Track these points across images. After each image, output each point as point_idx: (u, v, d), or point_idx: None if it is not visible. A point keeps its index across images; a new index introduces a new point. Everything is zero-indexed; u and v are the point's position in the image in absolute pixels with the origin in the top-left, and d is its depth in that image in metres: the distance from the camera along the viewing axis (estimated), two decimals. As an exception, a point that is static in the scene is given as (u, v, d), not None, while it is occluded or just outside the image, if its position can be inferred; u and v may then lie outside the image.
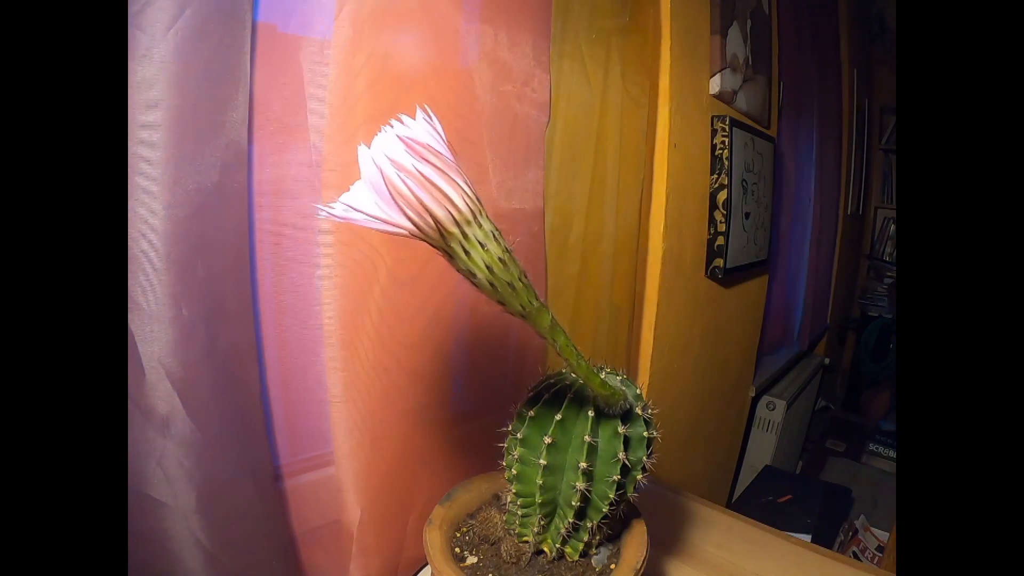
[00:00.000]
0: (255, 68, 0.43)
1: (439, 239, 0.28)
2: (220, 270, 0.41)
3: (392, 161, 0.26)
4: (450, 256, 0.30)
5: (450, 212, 0.28)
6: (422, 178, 0.26)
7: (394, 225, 0.27)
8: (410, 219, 0.27)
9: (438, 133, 0.27)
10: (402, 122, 0.26)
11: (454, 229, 0.28)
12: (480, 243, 0.29)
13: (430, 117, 0.27)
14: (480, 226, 0.29)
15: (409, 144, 0.26)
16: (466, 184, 0.28)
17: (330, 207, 0.27)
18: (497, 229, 0.30)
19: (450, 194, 0.27)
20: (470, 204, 0.28)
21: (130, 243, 0.35)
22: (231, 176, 0.41)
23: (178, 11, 0.35)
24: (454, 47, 0.55)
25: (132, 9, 0.34)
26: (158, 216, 0.36)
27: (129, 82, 0.34)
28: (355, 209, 0.27)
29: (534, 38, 0.65)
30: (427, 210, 0.27)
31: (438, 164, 0.27)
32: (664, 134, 0.93)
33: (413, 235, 0.28)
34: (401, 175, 0.26)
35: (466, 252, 0.29)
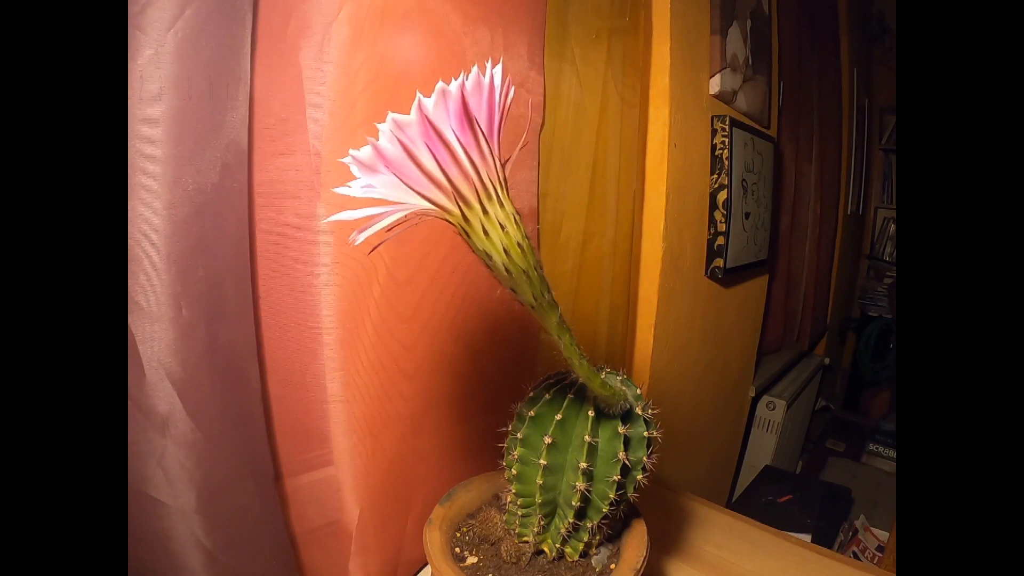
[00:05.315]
0: (255, 68, 0.43)
1: (458, 214, 0.28)
2: (220, 270, 0.41)
3: (430, 123, 0.25)
4: (467, 234, 0.29)
5: (474, 186, 0.27)
6: (456, 146, 0.25)
7: (411, 205, 0.26)
8: (431, 188, 0.26)
9: (497, 93, 0.26)
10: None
11: (475, 204, 0.27)
12: (500, 224, 0.28)
13: (499, 68, 0.26)
14: (502, 206, 0.28)
15: (466, 103, 0.25)
16: (495, 158, 0.28)
17: (349, 206, 0.26)
18: (518, 213, 0.29)
19: (479, 165, 0.26)
20: (495, 182, 0.28)
21: (130, 243, 0.35)
22: (231, 176, 0.41)
23: (178, 11, 0.35)
24: (452, 48, 0.55)
25: (132, 9, 0.34)
26: (159, 216, 0.36)
27: (129, 82, 0.34)
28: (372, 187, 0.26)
29: (529, 39, 0.65)
30: (451, 181, 0.26)
31: (484, 129, 0.26)
32: (664, 134, 0.93)
33: (428, 213, 0.27)
34: (432, 145, 0.25)
35: (485, 231, 0.28)
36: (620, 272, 0.94)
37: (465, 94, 0.25)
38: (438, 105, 0.25)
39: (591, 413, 0.39)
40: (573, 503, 0.40)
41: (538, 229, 0.72)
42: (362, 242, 0.28)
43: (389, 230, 0.28)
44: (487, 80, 0.26)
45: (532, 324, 0.69)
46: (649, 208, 0.97)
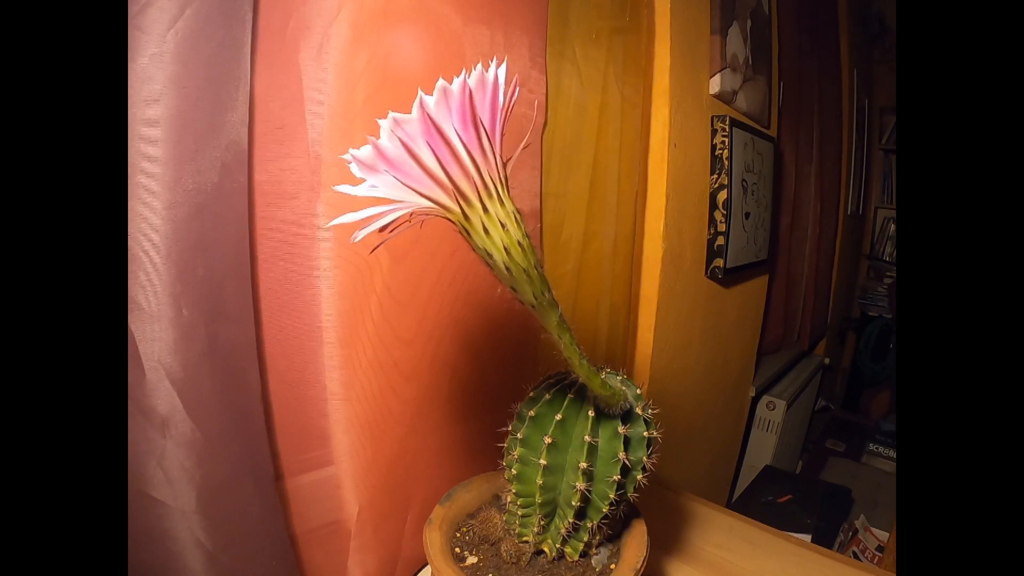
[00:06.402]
0: (255, 68, 0.43)
1: (458, 212, 0.28)
2: (220, 270, 0.41)
3: (432, 121, 0.25)
4: (468, 233, 0.29)
5: (475, 183, 0.27)
6: (457, 143, 0.25)
7: (411, 203, 0.26)
8: (431, 186, 0.26)
9: (501, 91, 0.26)
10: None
11: (476, 202, 0.27)
12: (501, 222, 0.28)
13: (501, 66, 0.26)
14: (503, 204, 0.28)
15: (471, 101, 0.25)
16: (497, 156, 0.28)
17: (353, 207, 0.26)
18: (519, 212, 0.29)
19: (480, 163, 0.27)
20: (496, 180, 0.28)
21: (130, 243, 0.35)
22: (231, 176, 0.41)
23: (178, 11, 0.35)
24: (452, 48, 0.55)
25: (132, 9, 0.34)
26: (159, 215, 0.36)
27: (129, 82, 0.34)
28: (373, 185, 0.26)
29: (531, 39, 0.65)
30: (451, 179, 0.26)
31: (486, 128, 0.26)
32: (664, 134, 0.93)
33: (429, 212, 0.27)
34: (433, 143, 0.25)
35: (485, 230, 0.28)
36: (620, 272, 0.94)
37: (470, 91, 0.25)
38: (439, 103, 0.25)
39: (591, 413, 0.39)
40: (573, 503, 0.40)
41: (539, 229, 0.72)
42: (363, 241, 0.28)
43: (391, 230, 0.28)
44: (491, 78, 0.26)
45: (532, 324, 0.69)
46: (649, 208, 0.97)
